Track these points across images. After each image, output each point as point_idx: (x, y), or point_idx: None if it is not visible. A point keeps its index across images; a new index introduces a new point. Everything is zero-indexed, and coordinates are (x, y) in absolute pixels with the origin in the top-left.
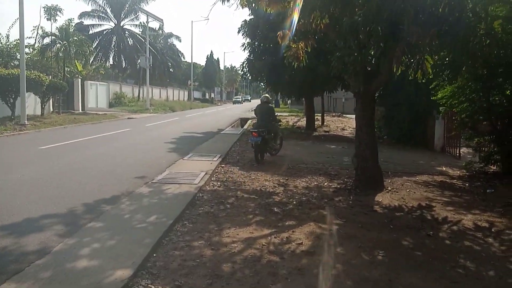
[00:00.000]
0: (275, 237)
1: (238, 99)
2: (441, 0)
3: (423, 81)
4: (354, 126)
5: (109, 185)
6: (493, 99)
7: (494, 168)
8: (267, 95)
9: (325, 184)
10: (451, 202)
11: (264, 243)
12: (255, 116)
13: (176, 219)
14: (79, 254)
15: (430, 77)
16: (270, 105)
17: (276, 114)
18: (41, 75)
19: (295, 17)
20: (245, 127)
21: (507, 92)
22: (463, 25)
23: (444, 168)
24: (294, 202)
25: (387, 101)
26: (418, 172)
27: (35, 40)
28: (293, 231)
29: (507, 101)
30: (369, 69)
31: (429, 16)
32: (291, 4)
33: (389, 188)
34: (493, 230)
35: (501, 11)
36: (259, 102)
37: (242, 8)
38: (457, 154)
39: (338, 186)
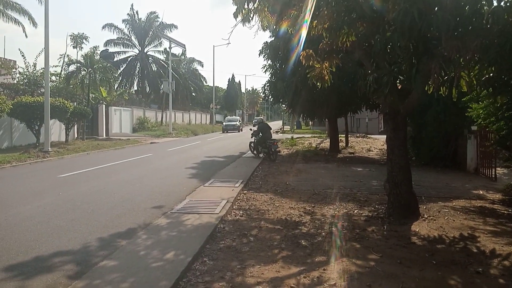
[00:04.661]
0: (304, 277)
1: (232, 124)
2: (479, 11)
3: (458, 100)
4: (380, 147)
5: (126, 216)
6: None
7: None
8: (261, 117)
9: (355, 211)
10: (497, 231)
11: (292, 285)
12: (256, 131)
13: (195, 256)
14: None
15: (465, 93)
16: (266, 123)
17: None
18: (66, 102)
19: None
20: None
21: None
22: (509, 37)
23: (481, 192)
24: (323, 234)
25: (415, 121)
26: (454, 196)
27: (61, 68)
28: (324, 269)
29: None
30: (399, 87)
31: (470, 28)
32: (315, 23)
33: (425, 216)
34: None
35: None
36: (257, 123)
37: (263, 30)
38: (493, 176)
39: (370, 214)
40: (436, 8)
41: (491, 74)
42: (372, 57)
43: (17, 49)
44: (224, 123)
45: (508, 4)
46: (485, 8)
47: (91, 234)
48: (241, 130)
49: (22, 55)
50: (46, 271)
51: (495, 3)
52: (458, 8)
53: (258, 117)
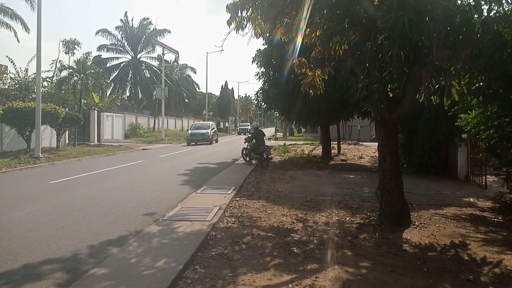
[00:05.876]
0: (296, 285)
1: (200, 133)
2: (470, 21)
3: (449, 107)
4: (372, 155)
5: (117, 223)
6: None
7: None
8: (256, 123)
9: (347, 219)
10: (487, 239)
11: None
12: (249, 137)
13: (186, 264)
14: None
15: (456, 101)
16: (261, 129)
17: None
18: (57, 107)
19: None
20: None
21: None
22: (498, 46)
23: (472, 199)
24: (315, 241)
25: (406, 129)
26: (445, 203)
27: (53, 73)
28: (316, 277)
29: None
30: (390, 95)
31: (460, 37)
32: (307, 31)
33: (417, 223)
34: None
35: None
36: (252, 129)
37: (257, 37)
38: (483, 183)
39: (362, 222)
40: (427, 18)
41: (481, 83)
42: (363, 65)
43: (6, 55)
44: (189, 131)
45: (497, 15)
46: (475, 18)
47: (81, 241)
48: (216, 142)
49: (11, 61)
50: (35, 279)
51: (485, 14)
52: (449, 18)
53: (254, 123)
